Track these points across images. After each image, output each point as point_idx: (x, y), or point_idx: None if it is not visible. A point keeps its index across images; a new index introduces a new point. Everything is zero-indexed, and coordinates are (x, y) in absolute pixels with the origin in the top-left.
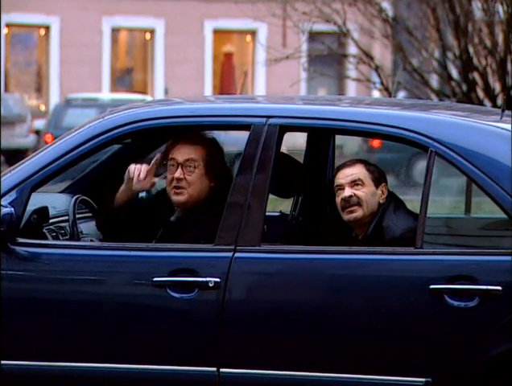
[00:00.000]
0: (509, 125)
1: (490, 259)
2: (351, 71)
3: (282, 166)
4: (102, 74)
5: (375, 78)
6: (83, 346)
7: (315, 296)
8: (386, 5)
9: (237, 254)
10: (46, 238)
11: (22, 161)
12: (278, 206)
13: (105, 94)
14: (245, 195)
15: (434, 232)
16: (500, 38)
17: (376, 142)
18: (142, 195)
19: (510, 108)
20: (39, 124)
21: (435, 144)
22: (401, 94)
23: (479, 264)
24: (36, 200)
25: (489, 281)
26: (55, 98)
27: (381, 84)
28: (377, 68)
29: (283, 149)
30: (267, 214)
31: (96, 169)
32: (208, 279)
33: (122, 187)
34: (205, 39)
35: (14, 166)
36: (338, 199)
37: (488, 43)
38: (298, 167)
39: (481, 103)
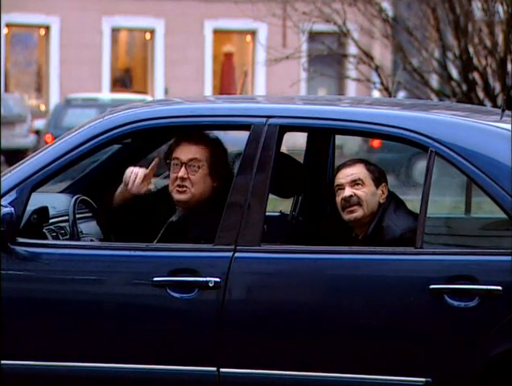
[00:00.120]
0: (509, 125)
1: (490, 259)
2: (351, 71)
3: (282, 166)
4: (102, 74)
5: (375, 78)
6: (83, 346)
7: (315, 296)
8: (386, 5)
9: (237, 254)
10: (46, 238)
11: (22, 161)
12: (278, 206)
13: (105, 94)
14: (245, 195)
15: (434, 232)
16: (500, 38)
17: (376, 142)
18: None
19: (510, 108)
20: (39, 124)
21: (435, 144)
22: (401, 94)
23: (479, 264)
24: (36, 200)
25: (489, 281)
26: (55, 98)
27: (381, 84)
28: (377, 68)
29: (283, 149)
30: (267, 214)
31: (96, 169)
32: (208, 279)
33: (120, 188)
34: (205, 39)
35: (14, 166)
36: (338, 199)
37: (488, 43)
38: (298, 167)
39: (481, 103)
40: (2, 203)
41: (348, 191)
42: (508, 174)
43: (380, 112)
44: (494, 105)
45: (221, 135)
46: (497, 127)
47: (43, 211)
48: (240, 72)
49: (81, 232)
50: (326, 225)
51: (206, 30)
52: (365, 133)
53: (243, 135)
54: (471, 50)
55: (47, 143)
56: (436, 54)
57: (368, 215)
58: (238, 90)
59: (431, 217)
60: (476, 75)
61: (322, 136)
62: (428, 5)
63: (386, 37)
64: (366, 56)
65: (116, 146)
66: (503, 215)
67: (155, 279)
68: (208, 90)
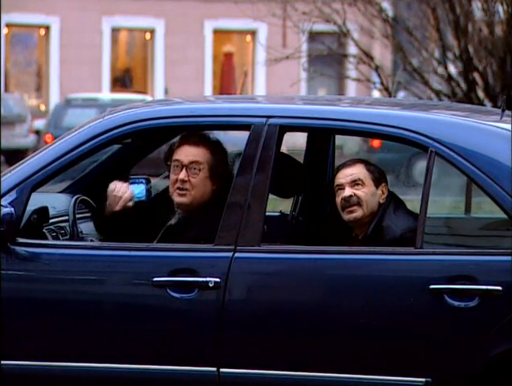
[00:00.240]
0: (509, 125)
1: (490, 259)
2: (351, 71)
3: (282, 166)
4: (102, 74)
5: (375, 78)
6: (83, 346)
7: (315, 296)
8: (386, 5)
9: (237, 254)
10: (46, 238)
11: (22, 161)
12: (278, 206)
13: (105, 94)
14: (245, 195)
15: (434, 232)
16: (500, 38)
17: (376, 142)
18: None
19: (510, 108)
20: (39, 124)
21: (435, 144)
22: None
23: (479, 264)
24: (36, 200)
25: (489, 281)
26: (55, 98)
27: (381, 84)
28: (377, 68)
29: (283, 149)
30: (267, 214)
31: (96, 169)
32: (208, 279)
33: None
34: (205, 39)
35: (14, 166)
36: (338, 199)
37: (488, 43)
38: (298, 167)
39: (481, 103)
40: (2, 203)
41: (348, 191)
42: (508, 174)
43: (380, 112)
44: (494, 105)
45: (222, 135)
46: (497, 127)
47: (43, 211)
48: (240, 72)
49: (81, 232)
50: (326, 225)
51: (206, 30)
52: (365, 133)
53: (243, 135)
54: (471, 50)
55: (47, 143)
56: (436, 54)
57: (368, 216)
58: (238, 90)
59: (431, 217)
60: (476, 75)
61: (322, 136)
62: (428, 5)
63: (386, 37)
64: (366, 56)
65: (116, 146)
66: (503, 215)
67: (155, 279)
68: (208, 90)
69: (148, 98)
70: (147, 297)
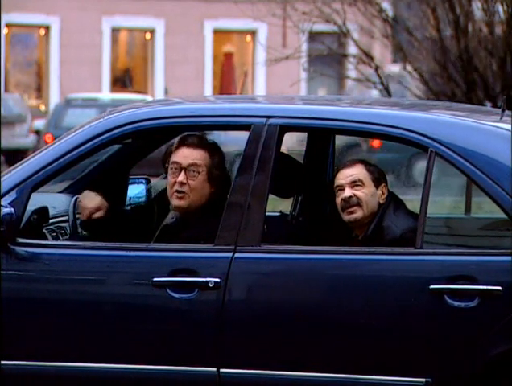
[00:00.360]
0: (509, 125)
1: (490, 259)
2: (351, 71)
3: (282, 166)
4: (102, 74)
5: (375, 78)
6: (83, 346)
7: (315, 296)
8: (386, 5)
9: (237, 254)
10: (46, 238)
11: (22, 161)
12: (278, 206)
13: (105, 94)
14: (245, 195)
15: (434, 232)
16: (500, 38)
17: (376, 142)
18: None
19: (510, 108)
20: (39, 124)
21: (435, 144)
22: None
23: (479, 264)
24: (36, 200)
25: (489, 281)
26: (55, 98)
27: (382, 84)
28: (377, 68)
29: (283, 149)
30: (267, 214)
31: (96, 169)
32: (208, 279)
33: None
34: (205, 39)
35: (14, 166)
36: (338, 200)
37: (488, 43)
38: (298, 167)
39: (480, 103)
40: (2, 203)
41: (347, 192)
42: (508, 174)
43: (380, 112)
44: (494, 105)
45: (222, 135)
46: (497, 127)
47: (43, 211)
48: (240, 72)
49: (81, 232)
50: (326, 225)
51: (206, 30)
52: (365, 133)
53: (243, 135)
54: (471, 50)
55: (47, 143)
56: (436, 54)
57: (368, 216)
58: (238, 90)
59: (431, 217)
60: (476, 76)
61: (322, 136)
62: (428, 5)
63: (386, 37)
64: (366, 56)
65: (116, 146)
66: (503, 215)
67: (155, 279)
68: (208, 90)
69: (148, 98)
70: (147, 298)
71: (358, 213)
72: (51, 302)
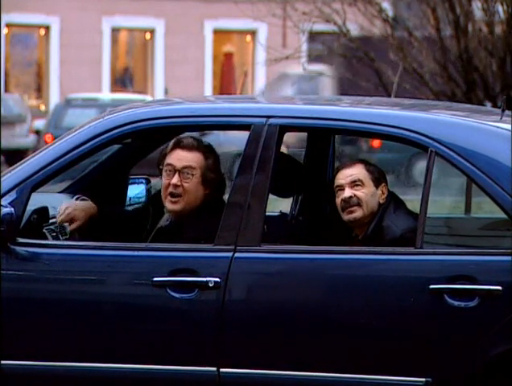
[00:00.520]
0: (509, 125)
1: (490, 259)
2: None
3: (282, 166)
4: (102, 74)
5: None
6: (83, 346)
7: (315, 296)
8: (386, 5)
9: (237, 254)
10: (46, 238)
11: (22, 161)
12: (278, 206)
13: (105, 94)
14: (245, 195)
15: (434, 232)
16: (500, 38)
17: (376, 142)
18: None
19: (510, 108)
20: (39, 124)
21: (435, 144)
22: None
23: (479, 264)
24: (36, 200)
25: (489, 281)
26: (55, 98)
27: (382, 83)
28: (377, 68)
29: (283, 149)
30: (267, 214)
31: (96, 169)
32: (208, 279)
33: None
34: (205, 39)
35: (14, 166)
36: (338, 200)
37: (488, 43)
38: (298, 167)
39: (480, 103)
40: (2, 203)
41: (347, 192)
42: (508, 174)
43: (380, 112)
44: (494, 105)
45: (222, 135)
46: (497, 127)
47: (43, 211)
48: (240, 72)
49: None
50: (326, 225)
51: (206, 30)
52: (365, 133)
53: (243, 135)
54: (471, 50)
55: (47, 143)
56: (436, 54)
57: (367, 216)
58: (238, 90)
59: (431, 217)
60: (476, 75)
61: (322, 136)
62: (428, 5)
63: (386, 37)
64: (366, 56)
65: (116, 146)
66: (503, 215)
67: (155, 279)
68: (208, 90)
69: (148, 98)
70: (147, 297)
71: (358, 213)
72: (52, 302)
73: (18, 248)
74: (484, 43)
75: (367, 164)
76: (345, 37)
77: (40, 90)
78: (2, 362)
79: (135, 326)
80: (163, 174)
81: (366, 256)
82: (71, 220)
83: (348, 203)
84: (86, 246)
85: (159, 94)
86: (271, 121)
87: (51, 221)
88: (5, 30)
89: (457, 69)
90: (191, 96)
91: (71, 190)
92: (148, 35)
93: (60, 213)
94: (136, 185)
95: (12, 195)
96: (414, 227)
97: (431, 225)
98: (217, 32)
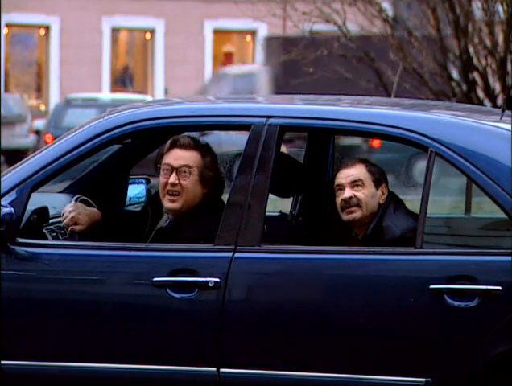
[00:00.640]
0: (509, 125)
1: (490, 259)
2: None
3: (282, 166)
4: (102, 74)
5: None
6: (83, 346)
7: (315, 296)
8: (386, 5)
9: (237, 254)
10: (46, 238)
11: (22, 161)
12: (278, 206)
13: (105, 94)
14: (245, 195)
15: (434, 232)
16: (500, 38)
17: (376, 142)
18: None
19: (510, 108)
20: (39, 124)
21: (435, 144)
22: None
23: (479, 264)
24: (36, 200)
25: (489, 281)
26: (55, 98)
27: (382, 83)
28: (377, 68)
29: (283, 149)
30: (267, 214)
31: (96, 169)
32: (208, 279)
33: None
34: (205, 39)
35: (14, 166)
36: (338, 200)
37: (488, 43)
38: (298, 167)
39: (480, 103)
40: (2, 203)
41: (347, 193)
42: (508, 174)
43: (380, 112)
44: (494, 105)
45: (222, 135)
46: (497, 127)
47: (43, 211)
48: None
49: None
50: (326, 225)
51: (206, 30)
52: (365, 133)
53: (243, 135)
54: (471, 50)
55: (47, 143)
56: (436, 54)
57: (367, 216)
58: None
59: (431, 217)
60: (476, 75)
61: (322, 136)
62: (428, 5)
63: (386, 37)
64: (366, 56)
65: (116, 146)
66: (503, 215)
67: (155, 279)
68: None
69: (148, 98)
70: (147, 298)
71: (357, 214)
72: (51, 302)
73: (18, 248)
74: (484, 43)
75: (368, 164)
76: (345, 37)
77: (40, 90)
78: (2, 362)
79: (135, 326)
80: (161, 173)
81: (366, 256)
82: (74, 224)
83: (348, 203)
84: (86, 246)
85: (159, 94)
86: (271, 121)
87: (51, 221)
88: (5, 30)
89: (457, 69)
90: (191, 96)
91: (71, 190)
92: (148, 35)
93: (65, 216)
94: (136, 185)
95: (12, 195)
96: (414, 227)
97: (431, 225)
98: (217, 32)
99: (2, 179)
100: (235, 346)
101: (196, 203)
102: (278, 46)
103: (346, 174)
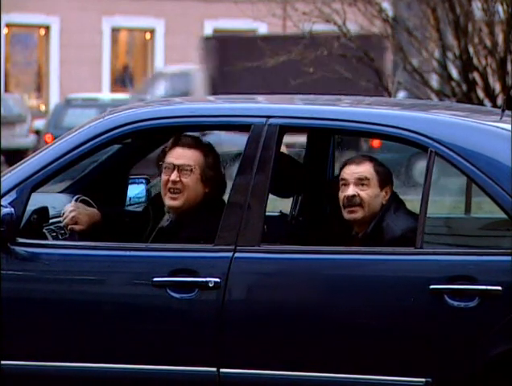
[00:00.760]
0: (509, 125)
1: (490, 259)
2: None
3: (282, 166)
4: (102, 74)
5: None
6: (83, 346)
7: (314, 296)
8: (386, 5)
9: (237, 254)
10: (46, 238)
11: (22, 161)
12: (278, 206)
13: (105, 94)
14: (245, 195)
15: (434, 232)
16: (500, 38)
17: (376, 142)
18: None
19: (510, 108)
20: (39, 124)
21: (435, 144)
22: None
23: (479, 264)
24: (36, 200)
25: (489, 281)
26: (55, 98)
27: (381, 84)
28: (376, 69)
29: (283, 149)
30: (267, 214)
31: (96, 169)
32: (208, 279)
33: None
34: None
35: (14, 166)
36: (341, 195)
37: (488, 43)
38: (298, 167)
39: (480, 103)
40: (2, 203)
41: (351, 190)
42: (508, 174)
43: (380, 112)
44: (494, 105)
45: (222, 135)
46: (497, 127)
47: (43, 211)
48: None
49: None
50: (326, 225)
51: (206, 30)
52: (365, 133)
53: (243, 135)
54: (471, 50)
55: (47, 143)
56: (436, 54)
57: (368, 216)
58: None
59: (431, 217)
60: (476, 75)
61: (322, 136)
62: (428, 5)
63: (386, 37)
64: (366, 56)
65: (116, 146)
66: (503, 215)
67: (155, 279)
68: None
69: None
70: (147, 298)
71: (359, 214)
72: (51, 302)
73: (18, 248)
74: (484, 43)
75: (376, 164)
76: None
77: (40, 90)
78: (2, 362)
79: (135, 326)
80: (163, 171)
81: (366, 257)
82: (74, 224)
83: (351, 201)
84: (86, 246)
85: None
86: (271, 121)
87: (51, 221)
88: (5, 30)
89: (457, 69)
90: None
91: (71, 190)
92: (148, 35)
93: (65, 216)
94: (136, 185)
95: (12, 195)
96: (415, 227)
97: (431, 225)
98: (217, 32)
99: (2, 179)
100: (235, 346)
101: (197, 201)
102: (214, 46)
103: (352, 171)
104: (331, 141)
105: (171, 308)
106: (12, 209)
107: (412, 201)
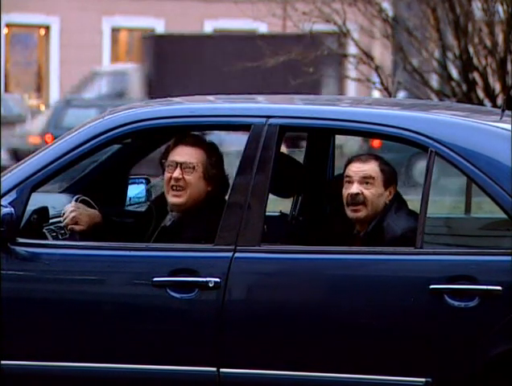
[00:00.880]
0: (509, 125)
1: (490, 259)
2: (351, 71)
3: (282, 166)
4: None
5: (375, 78)
6: (83, 346)
7: (315, 296)
8: (386, 5)
9: (237, 254)
10: (46, 238)
11: (22, 161)
12: (278, 206)
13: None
14: (245, 195)
15: (434, 232)
16: (500, 38)
17: (376, 142)
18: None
19: (510, 108)
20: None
21: (435, 144)
22: (401, 94)
23: (479, 264)
24: (36, 200)
25: (489, 281)
26: (55, 98)
27: (381, 84)
28: (377, 68)
29: (283, 149)
30: (267, 214)
31: (96, 169)
32: (208, 279)
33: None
34: None
35: (14, 166)
36: (345, 192)
37: (488, 43)
38: (298, 167)
39: (480, 103)
40: (2, 203)
41: (355, 188)
42: (508, 174)
43: (380, 112)
44: (494, 105)
45: (222, 135)
46: (497, 127)
47: (43, 211)
48: None
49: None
50: (326, 225)
51: (206, 30)
52: (365, 133)
53: (243, 135)
54: (471, 50)
55: (47, 143)
56: (436, 54)
57: (371, 215)
58: None
59: (431, 217)
60: (476, 75)
61: (322, 136)
62: (428, 5)
63: (386, 37)
64: (366, 56)
65: (116, 146)
66: (503, 215)
67: (155, 279)
68: None
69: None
70: (147, 297)
71: (362, 213)
72: (51, 302)
73: (18, 248)
74: (484, 43)
75: (382, 163)
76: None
77: (40, 90)
78: (2, 362)
79: (135, 326)
80: (166, 168)
81: (366, 256)
82: (75, 224)
83: (354, 199)
84: (86, 246)
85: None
86: (271, 121)
87: (51, 221)
88: (5, 30)
89: (457, 69)
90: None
91: (71, 190)
92: None
93: (65, 216)
94: (136, 185)
95: (12, 195)
96: (415, 227)
97: (431, 225)
98: (217, 32)
99: (2, 179)
100: (235, 346)
101: (199, 200)
102: (150, 45)
103: (358, 168)
104: (331, 141)
105: (171, 308)
106: (12, 209)
107: (412, 201)
